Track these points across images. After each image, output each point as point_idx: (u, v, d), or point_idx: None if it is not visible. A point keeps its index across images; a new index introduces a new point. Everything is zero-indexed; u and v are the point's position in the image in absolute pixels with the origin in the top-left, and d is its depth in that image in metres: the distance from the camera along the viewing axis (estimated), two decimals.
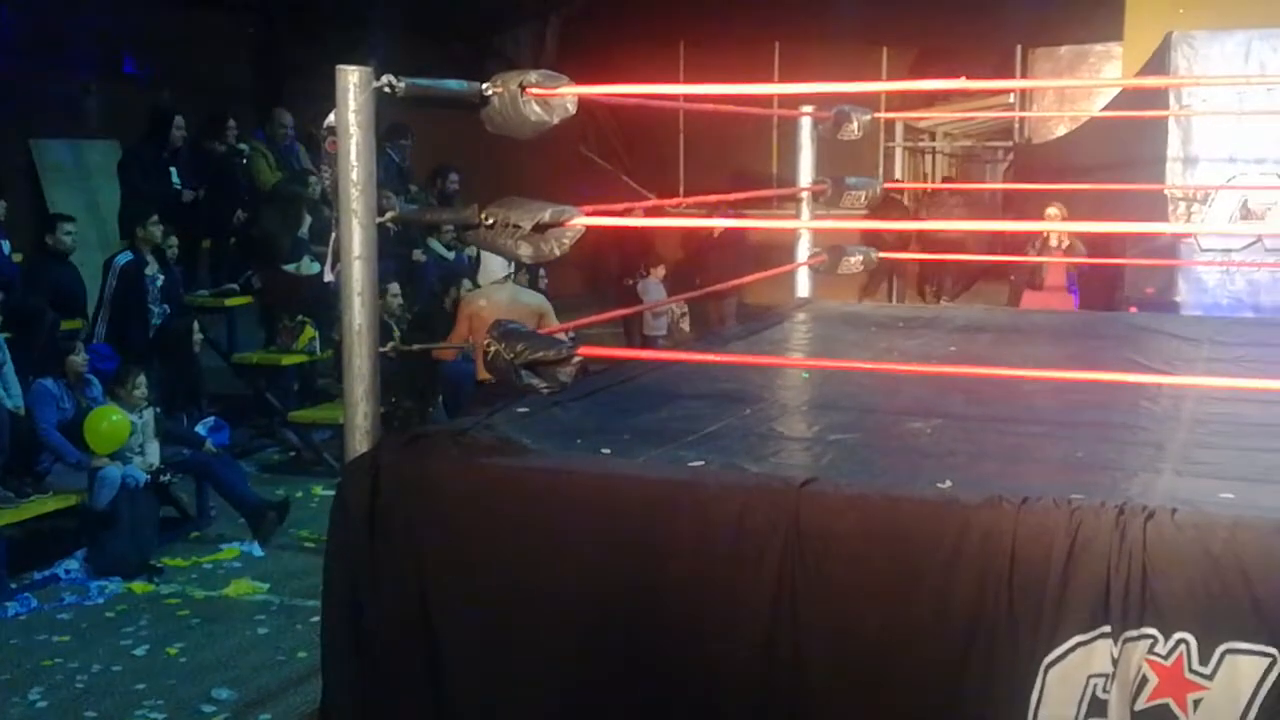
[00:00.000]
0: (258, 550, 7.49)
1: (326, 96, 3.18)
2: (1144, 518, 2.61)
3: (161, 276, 9.22)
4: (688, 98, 6.92)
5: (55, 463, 7.30)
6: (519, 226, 3.31)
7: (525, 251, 3.37)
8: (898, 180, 16.03)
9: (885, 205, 15.17)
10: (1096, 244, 9.46)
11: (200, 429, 8.44)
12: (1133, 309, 8.43)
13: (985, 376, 4.03)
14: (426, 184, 11.78)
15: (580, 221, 3.36)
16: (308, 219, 10.14)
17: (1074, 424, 3.67)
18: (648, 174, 16.52)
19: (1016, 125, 16.43)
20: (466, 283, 10.25)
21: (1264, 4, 9.72)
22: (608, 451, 3.32)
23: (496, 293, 9.10)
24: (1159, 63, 8.85)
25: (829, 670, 2.79)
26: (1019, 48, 16.04)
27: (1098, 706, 2.60)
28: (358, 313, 3.22)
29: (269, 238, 10.10)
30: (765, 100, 7.25)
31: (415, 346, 6.99)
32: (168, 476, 7.64)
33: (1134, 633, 2.58)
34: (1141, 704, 2.58)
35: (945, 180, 19.64)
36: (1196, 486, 2.97)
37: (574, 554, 2.99)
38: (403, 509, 3.11)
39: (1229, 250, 8.48)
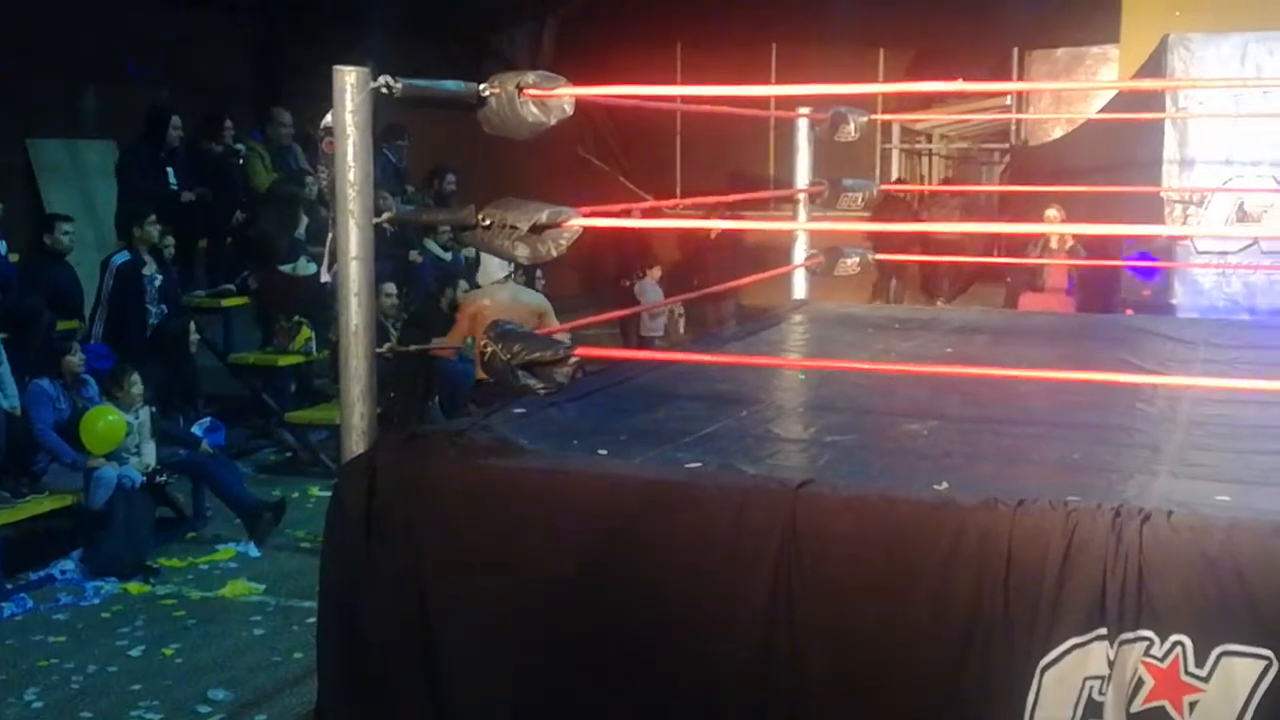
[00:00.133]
0: (254, 551, 7.49)
1: (324, 97, 3.18)
2: (1140, 520, 2.61)
3: (159, 276, 9.22)
4: (685, 99, 6.92)
5: (51, 463, 7.29)
6: (516, 227, 3.31)
7: (522, 252, 3.37)
8: (893, 182, 16.03)
9: (889, 205, 15.24)
10: (1094, 246, 9.48)
11: (196, 429, 8.43)
12: (1129, 311, 8.43)
13: (981, 378, 4.03)
14: (423, 185, 11.78)
15: (577, 223, 3.36)
16: (305, 219, 10.13)
17: (1070, 426, 3.67)
18: (645, 175, 16.53)
19: (1013, 127, 16.46)
20: (463, 283, 10.26)
21: (1260, 7, 9.74)
22: (604, 452, 3.32)
23: (498, 292, 9.11)
24: (1155, 65, 8.86)
25: (826, 671, 2.79)
26: (1016, 50, 16.08)
27: (1094, 708, 2.60)
28: (354, 313, 3.22)
29: (266, 238, 10.10)
30: (762, 101, 7.25)
31: (413, 347, 7.01)
32: (164, 477, 7.64)
33: (1130, 635, 2.58)
34: (1137, 706, 2.58)
35: (944, 182, 19.67)
36: (1192, 489, 2.98)
37: (571, 555, 2.98)
38: (400, 510, 3.11)
39: (1225, 253, 8.49)
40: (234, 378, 10.18)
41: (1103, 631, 2.59)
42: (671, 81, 14.70)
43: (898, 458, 3.39)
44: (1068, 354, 5.13)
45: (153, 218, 9.16)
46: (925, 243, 11.78)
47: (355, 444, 3.24)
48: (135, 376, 7.65)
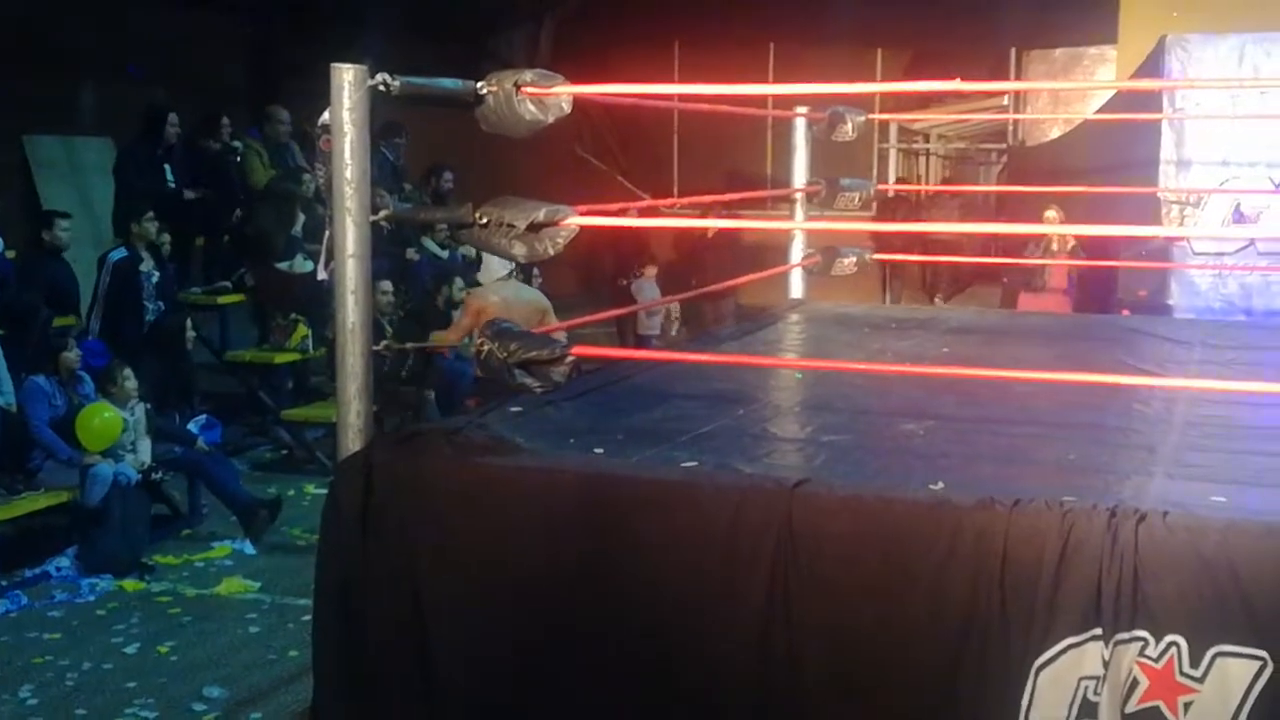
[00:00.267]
0: (249, 548, 7.48)
1: (321, 95, 3.18)
2: (1136, 520, 2.62)
3: (157, 273, 9.22)
4: (682, 98, 6.93)
5: (47, 459, 7.28)
6: (513, 226, 3.31)
7: (519, 251, 3.37)
8: (889, 181, 16.04)
9: (894, 204, 15.27)
10: (1092, 247, 9.48)
11: (192, 426, 8.43)
12: (1125, 312, 8.44)
13: (978, 378, 4.03)
14: (421, 182, 11.78)
15: (574, 221, 3.36)
16: (301, 217, 10.13)
17: (1066, 426, 3.67)
18: (642, 174, 16.53)
19: (1010, 127, 16.46)
20: (459, 281, 10.27)
21: (1258, 8, 9.74)
22: (601, 451, 3.32)
23: (503, 289, 9.16)
24: (1153, 66, 8.87)
25: (823, 670, 2.80)
26: (1013, 50, 16.07)
27: (1089, 708, 2.60)
28: (351, 311, 3.22)
29: (263, 235, 10.10)
30: (760, 101, 7.26)
31: (410, 345, 7.00)
32: (159, 474, 7.63)
33: (1125, 635, 2.58)
34: (1132, 706, 2.59)
35: (944, 182, 19.68)
36: (1188, 489, 2.98)
37: (567, 553, 2.99)
38: (395, 508, 3.11)
39: (1221, 254, 8.49)
40: (230, 375, 10.18)
41: (1098, 631, 2.59)
42: (669, 81, 14.70)
43: (894, 457, 3.40)
44: (1064, 354, 5.13)
45: (150, 214, 9.16)
46: (924, 243, 11.81)
47: (351, 442, 3.24)
48: (129, 372, 7.64)
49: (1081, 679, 2.61)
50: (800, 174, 6.14)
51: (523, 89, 3.30)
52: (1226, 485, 2.99)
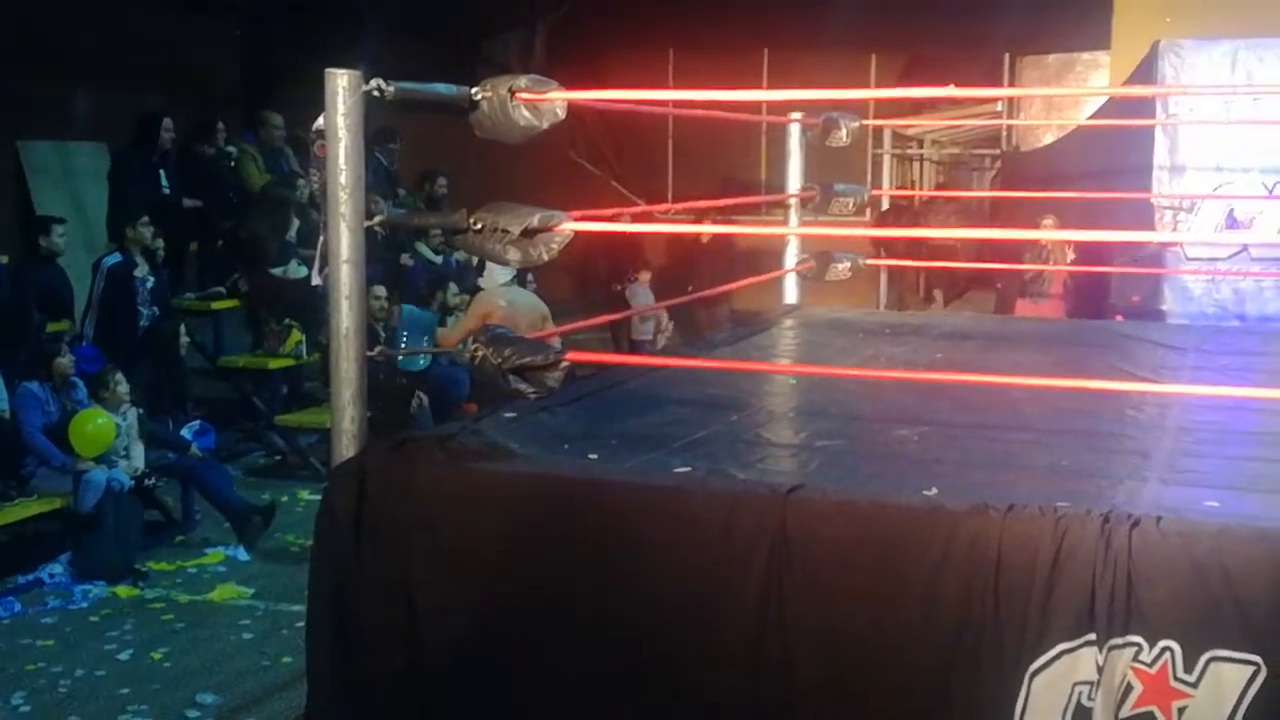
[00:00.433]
0: (243, 554, 7.47)
1: (315, 100, 3.17)
2: (1129, 526, 2.62)
3: (151, 278, 9.21)
4: (677, 103, 6.92)
5: (40, 466, 7.27)
6: (507, 231, 3.30)
7: (513, 256, 3.37)
8: (883, 187, 16.07)
9: (894, 211, 15.32)
10: (1085, 252, 9.50)
11: (186, 432, 8.41)
12: (1119, 317, 8.45)
13: (971, 384, 4.04)
14: (415, 188, 11.78)
15: (568, 227, 3.36)
16: (296, 222, 10.13)
17: (1060, 431, 3.68)
18: (637, 179, 16.55)
19: (1004, 133, 16.51)
20: (453, 286, 10.27)
21: (1251, 13, 9.76)
22: (595, 457, 3.32)
23: (509, 294, 9.20)
24: (1146, 71, 8.88)
25: (817, 675, 2.80)
26: (1007, 56, 16.13)
27: (1083, 714, 2.60)
28: (345, 317, 3.21)
29: (256, 241, 10.09)
30: (754, 106, 7.25)
31: (404, 351, 6.99)
32: (153, 480, 7.62)
33: (1119, 640, 2.58)
34: (1126, 712, 2.59)
35: (940, 187, 19.73)
36: (1181, 494, 2.98)
37: (561, 559, 2.98)
38: (389, 514, 3.11)
39: (1215, 259, 8.51)
40: (224, 381, 10.16)
41: (1092, 637, 2.59)
42: (663, 86, 14.73)
43: (888, 463, 3.40)
44: (1058, 360, 5.14)
45: (145, 219, 9.15)
46: (923, 248, 11.82)
47: (345, 448, 3.24)
48: (120, 376, 7.63)
49: (1075, 684, 2.61)
50: (795, 179, 6.14)
51: (517, 95, 3.30)
52: (1220, 490, 2.99)
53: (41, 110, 10.50)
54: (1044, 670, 2.63)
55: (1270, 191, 8.41)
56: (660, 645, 2.90)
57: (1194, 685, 2.55)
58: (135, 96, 10.66)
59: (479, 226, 3.33)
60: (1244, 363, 4.96)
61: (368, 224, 3.24)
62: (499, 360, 3.27)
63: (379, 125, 10.60)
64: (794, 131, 6.10)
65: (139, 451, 7.64)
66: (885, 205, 15.32)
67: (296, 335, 9.84)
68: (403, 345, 9.24)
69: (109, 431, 7.34)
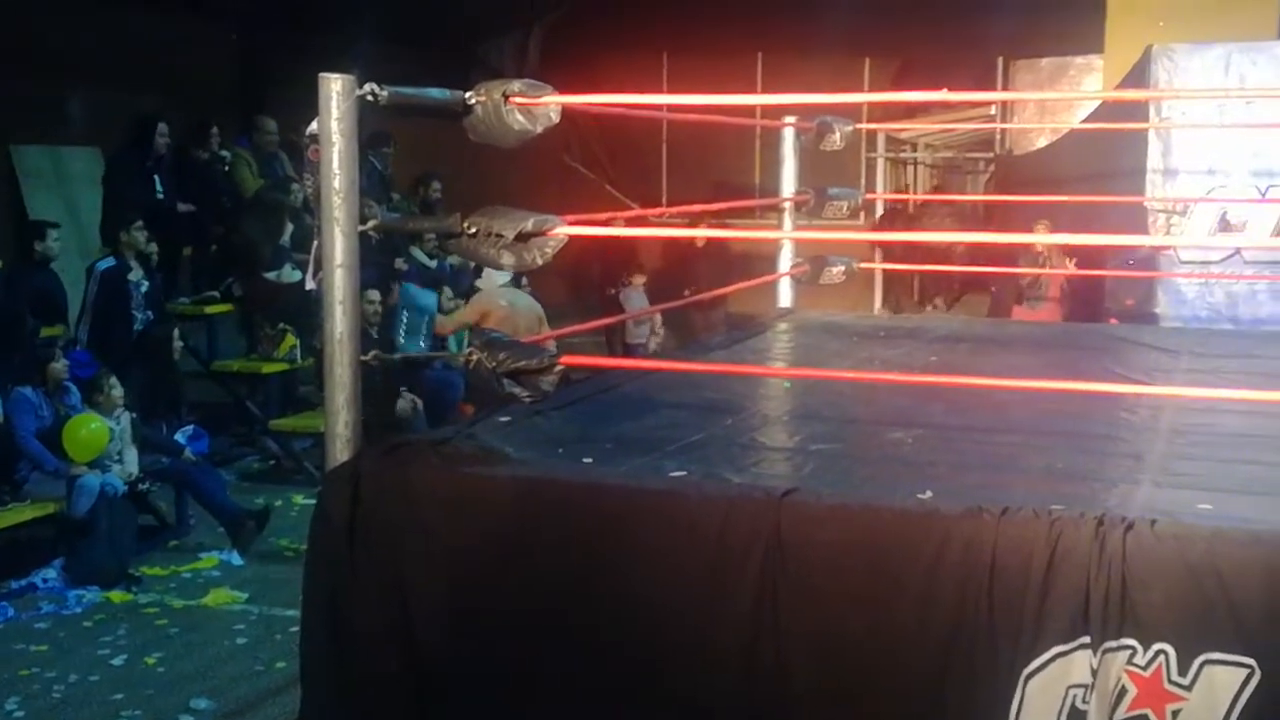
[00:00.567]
0: (237, 559, 7.46)
1: (309, 104, 3.17)
2: (1123, 529, 2.62)
3: (146, 282, 9.20)
4: (671, 107, 6.92)
5: (33, 471, 7.27)
6: (501, 235, 3.30)
7: (507, 260, 3.36)
8: (877, 190, 16.10)
9: (889, 215, 15.34)
10: (1079, 256, 9.51)
11: (180, 437, 8.41)
12: (1113, 320, 8.46)
13: (966, 387, 4.04)
14: (409, 192, 11.78)
15: (563, 231, 3.36)
16: (290, 226, 10.13)
17: (1054, 434, 3.68)
18: (631, 183, 16.56)
19: (998, 137, 16.55)
20: (447, 290, 10.28)
21: (1244, 17, 9.79)
22: (590, 460, 3.31)
23: (509, 295, 9.25)
24: (1139, 75, 8.90)
25: (812, 679, 2.79)
26: (1000, 60, 16.17)
27: (1077, 717, 2.60)
28: (339, 321, 3.21)
29: (250, 245, 10.09)
30: (748, 110, 7.25)
31: (399, 355, 6.99)
32: (146, 484, 7.61)
33: (1113, 643, 2.58)
34: (1121, 715, 2.59)
35: (933, 191, 19.76)
36: (1175, 497, 2.99)
37: (556, 563, 2.98)
38: (384, 518, 3.10)
39: (1208, 262, 8.52)
40: (218, 385, 10.15)
41: (1086, 640, 2.59)
42: (657, 90, 14.72)
43: (882, 466, 3.40)
44: (1052, 363, 5.15)
45: (139, 223, 9.15)
46: (916, 252, 11.85)
47: (340, 452, 3.23)
48: (114, 380, 7.63)
49: (1070, 687, 2.61)
50: (788, 183, 6.14)
51: (511, 99, 3.30)
52: (1213, 493, 2.99)
53: (35, 115, 10.50)
54: (1038, 673, 2.63)
55: (1263, 195, 8.43)
56: (655, 649, 2.90)
57: (1188, 688, 2.55)
58: (129, 101, 10.66)
59: (473, 231, 3.33)
60: (1237, 365, 4.96)
61: (361, 228, 3.24)
62: (494, 364, 3.27)
63: (373, 129, 10.61)
64: (788, 135, 6.10)
65: (133, 456, 7.63)
66: (880, 210, 15.36)
67: (291, 339, 9.84)
68: (402, 323, 9.27)
69: (102, 436, 7.33)
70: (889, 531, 2.77)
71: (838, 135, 5.89)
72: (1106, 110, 9.77)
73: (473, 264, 10.16)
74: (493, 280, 9.82)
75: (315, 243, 3.24)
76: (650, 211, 10.78)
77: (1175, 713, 2.56)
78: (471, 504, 3.09)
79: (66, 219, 10.01)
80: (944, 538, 2.70)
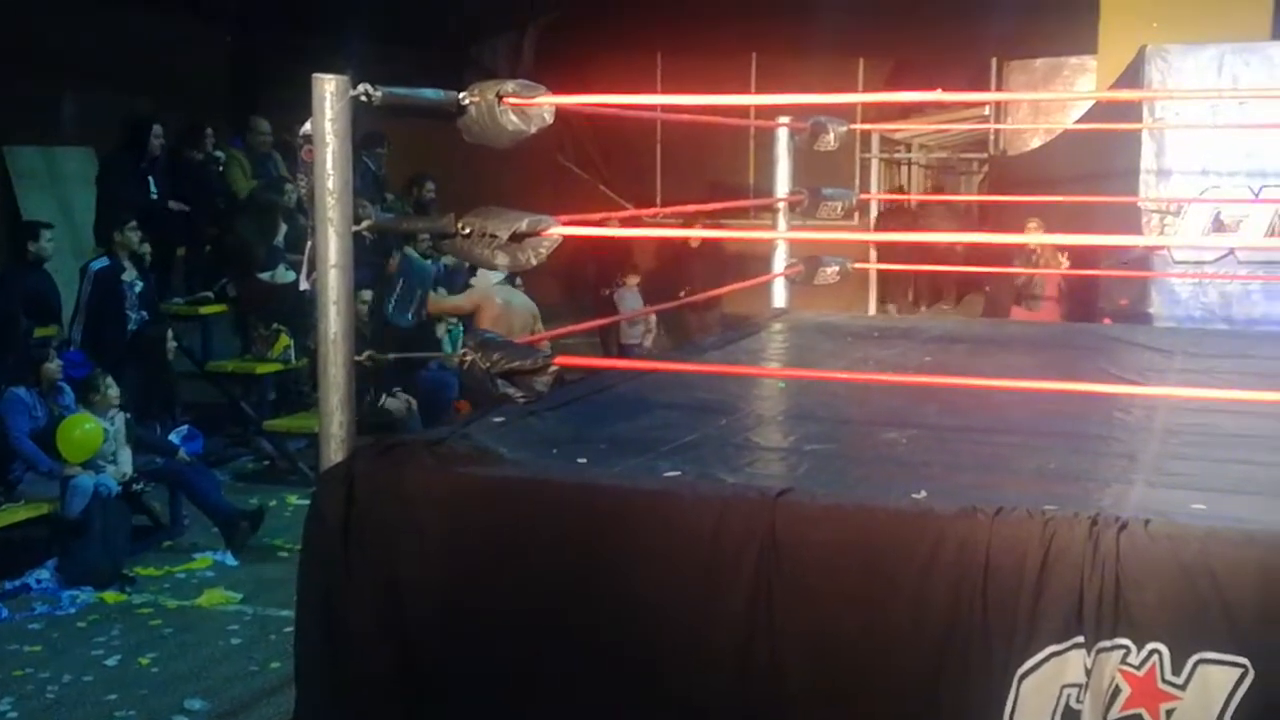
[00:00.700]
0: (231, 560, 7.46)
1: (303, 105, 3.17)
2: (1117, 528, 2.62)
3: (140, 282, 9.19)
4: (665, 108, 6.94)
5: (27, 471, 7.25)
6: (495, 236, 3.30)
7: (501, 261, 3.36)
8: (871, 191, 16.12)
9: (893, 214, 15.35)
10: (1074, 256, 9.52)
11: (174, 437, 8.40)
12: (1107, 320, 8.47)
13: (960, 387, 4.04)
14: (403, 192, 11.77)
15: (557, 231, 3.36)
16: (284, 227, 10.12)
17: (1048, 434, 3.69)
18: (625, 183, 16.55)
19: (991, 137, 16.55)
20: (442, 290, 10.27)
21: (1237, 18, 9.80)
22: (584, 461, 3.31)
23: (505, 293, 9.28)
24: (1133, 76, 8.91)
25: (806, 678, 2.80)
26: (994, 60, 16.18)
27: (1071, 716, 2.61)
28: (333, 321, 3.21)
29: (244, 245, 10.08)
30: (742, 111, 7.26)
31: (392, 355, 6.98)
32: (140, 485, 7.60)
33: (1107, 643, 2.59)
34: (1115, 714, 2.59)
35: (929, 191, 19.79)
36: (1169, 497, 2.99)
37: (550, 564, 2.98)
38: (378, 518, 3.10)
39: (1201, 262, 8.53)
40: (212, 385, 10.14)
41: (1080, 640, 2.60)
42: (651, 90, 14.71)
43: (876, 466, 3.40)
44: (1046, 363, 5.16)
45: (133, 223, 9.14)
46: (914, 252, 11.86)
47: (334, 452, 3.23)
48: (110, 380, 7.62)
49: (1064, 687, 2.61)
50: (783, 183, 6.15)
51: (505, 99, 3.30)
52: (1207, 493, 3.00)
53: (29, 115, 10.49)
54: (1032, 673, 2.63)
55: (1256, 195, 8.44)
56: (649, 649, 2.90)
57: (1182, 687, 2.56)
58: (123, 101, 10.65)
59: (467, 231, 3.33)
60: (1231, 365, 4.97)
61: (355, 229, 3.23)
62: (488, 364, 3.27)
63: (367, 130, 10.60)
64: (782, 136, 6.11)
65: (127, 457, 7.62)
66: (876, 210, 15.37)
67: (285, 340, 9.83)
68: (397, 289, 9.29)
69: (96, 437, 7.32)
70: (883, 531, 2.77)
71: (832, 136, 5.89)
72: (1100, 111, 9.77)
73: (467, 264, 10.18)
74: (488, 279, 9.83)
75: (309, 243, 3.25)
76: (644, 212, 10.79)
77: (1169, 712, 2.57)
78: (466, 504, 3.09)
79: (60, 219, 10.00)
80: (938, 538, 2.70)
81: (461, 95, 3.33)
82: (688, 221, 10.87)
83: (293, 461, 9.20)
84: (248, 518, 7.70)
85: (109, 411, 7.56)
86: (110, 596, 6.83)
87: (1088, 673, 2.59)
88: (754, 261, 7.25)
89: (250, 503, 8.08)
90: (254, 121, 11.20)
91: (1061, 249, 9.65)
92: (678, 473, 3.18)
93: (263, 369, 9.86)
